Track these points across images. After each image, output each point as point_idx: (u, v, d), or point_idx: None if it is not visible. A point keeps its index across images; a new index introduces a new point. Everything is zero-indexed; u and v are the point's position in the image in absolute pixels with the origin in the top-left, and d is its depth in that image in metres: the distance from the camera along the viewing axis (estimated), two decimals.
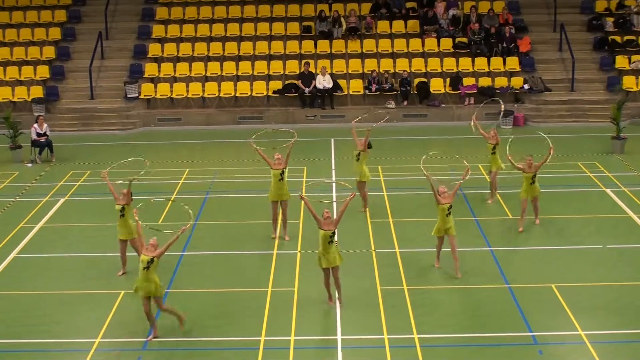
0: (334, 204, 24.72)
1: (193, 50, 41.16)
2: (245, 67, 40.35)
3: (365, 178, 25.14)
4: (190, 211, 19.06)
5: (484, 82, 39.34)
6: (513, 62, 40.11)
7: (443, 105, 38.93)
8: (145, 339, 18.08)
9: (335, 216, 19.50)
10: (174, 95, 39.40)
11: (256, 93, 39.35)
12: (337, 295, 19.23)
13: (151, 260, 17.64)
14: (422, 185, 28.07)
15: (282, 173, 23.24)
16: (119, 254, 21.66)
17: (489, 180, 26.64)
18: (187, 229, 18.39)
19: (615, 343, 17.75)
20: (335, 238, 18.82)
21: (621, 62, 39.96)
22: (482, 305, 19.45)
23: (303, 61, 39.92)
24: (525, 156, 24.21)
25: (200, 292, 20.24)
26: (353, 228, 24.52)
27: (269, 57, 40.90)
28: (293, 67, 40.27)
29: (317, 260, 19.02)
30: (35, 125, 32.89)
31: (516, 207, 24.83)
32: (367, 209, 25.48)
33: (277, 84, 39.59)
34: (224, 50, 41.16)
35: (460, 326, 18.56)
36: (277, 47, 41.27)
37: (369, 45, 41.28)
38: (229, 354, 17.50)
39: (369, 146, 25.29)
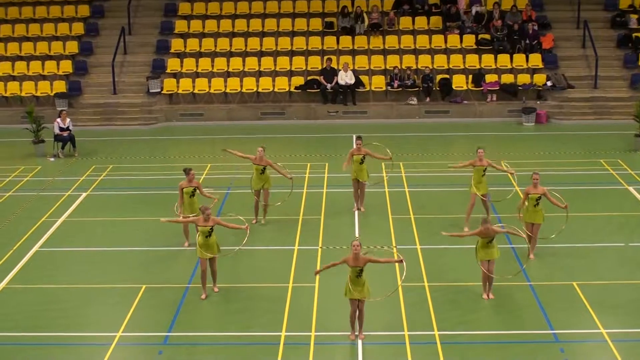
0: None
1: (215, 46, 41.20)
2: (267, 62, 40.35)
3: (367, 179, 25.16)
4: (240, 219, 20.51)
5: (507, 78, 39.20)
6: (536, 59, 39.94)
7: (465, 102, 38.82)
8: (166, 333, 18.13)
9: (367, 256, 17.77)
10: (196, 91, 39.46)
11: (278, 89, 39.36)
12: (358, 327, 17.92)
13: (211, 229, 19.50)
14: (444, 182, 28.14)
15: (264, 169, 24.26)
16: (141, 248, 21.78)
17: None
18: (246, 228, 19.86)
19: (638, 342, 17.65)
20: (363, 275, 17.60)
21: None
22: (503, 303, 19.38)
23: (325, 57, 39.90)
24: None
25: (222, 286, 20.26)
26: (374, 224, 24.53)
27: (291, 53, 40.90)
28: (315, 63, 40.26)
29: (345, 291, 17.72)
30: (58, 119, 33.01)
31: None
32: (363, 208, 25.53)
33: (299, 80, 39.58)
34: (246, 45, 41.17)
35: (481, 323, 18.51)
36: (300, 43, 41.25)
37: (391, 41, 41.20)
38: (249, 349, 17.51)
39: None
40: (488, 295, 19.50)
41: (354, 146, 24.94)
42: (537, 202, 21.51)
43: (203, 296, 19.69)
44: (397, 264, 17.71)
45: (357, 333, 17.64)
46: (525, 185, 25.39)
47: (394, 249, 22.58)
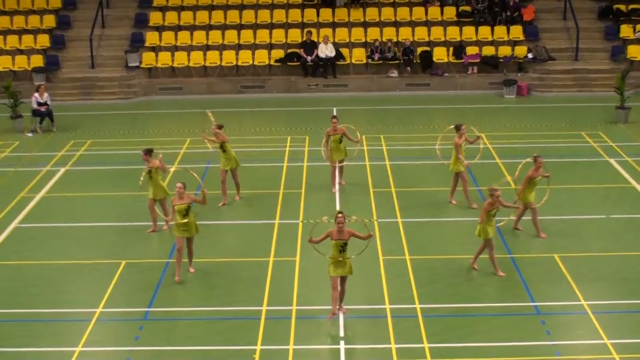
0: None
1: (195, 19, 40.96)
2: (247, 35, 40.18)
3: (347, 155, 24.99)
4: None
5: (488, 51, 39.17)
6: (517, 31, 39.92)
7: (446, 74, 38.79)
8: (147, 309, 18.10)
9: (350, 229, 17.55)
10: (175, 65, 39.27)
11: (258, 62, 39.21)
12: (339, 302, 17.71)
13: (188, 207, 19.15)
14: (425, 155, 28.11)
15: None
16: (120, 223, 21.67)
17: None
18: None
19: (619, 313, 17.74)
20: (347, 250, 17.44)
21: (626, 31, 39.73)
22: (485, 276, 19.42)
23: (305, 30, 39.75)
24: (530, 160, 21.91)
25: (202, 261, 20.23)
26: (355, 197, 24.51)
27: (271, 26, 40.72)
28: (295, 35, 40.12)
29: (328, 268, 17.52)
30: (36, 94, 32.78)
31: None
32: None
33: (279, 53, 39.45)
34: (225, 18, 40.97)
35: (462, 296, 18.54)
36: (279, 15, 41.08)
37: (371, 13, 41.08)
38: (230, 324, 17.50)
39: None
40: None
41: (330, 125, 24.72)
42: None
43: (177, 278, 19.38)
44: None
45: (338, 307, 17.59)
46: (504, 156, 25.48)
47: (375, 222, 22.58)
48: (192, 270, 19.78)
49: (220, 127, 23.78)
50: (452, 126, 23.82)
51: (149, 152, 21.89)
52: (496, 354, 16.18)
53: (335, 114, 25.02)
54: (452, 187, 23.79)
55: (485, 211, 19.10)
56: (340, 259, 17.19)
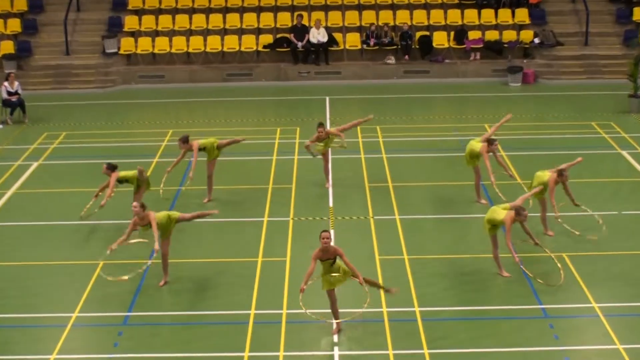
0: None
1: (177, 2, 40.94)
2: (233, 19, 40.16)
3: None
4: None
5: (491, 35, 39.21)
6: (522, 14, 39.97)
7: (447, 60, 38.83)
8: (126, 313, 18.10)
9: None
10: (156, 51, 39.24)
11: (245, 48, 39.20)
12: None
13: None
14: (424, 147, 28.14)
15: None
16: (97, 222, 21.95)
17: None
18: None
19: (632, 316, 17.78)
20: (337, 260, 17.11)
21: (639, 14, 39.81)
22: (488, 277, 19.44)
23: (295, 13, 39.75)
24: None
25: (186, 262, 20.25)
26: (349, 193, 24.54)
27: (259, 9, 40.72)
28: (285, 19, 40.10)
29: (323, 284, 17.20)
30: (6, 83, 32.75)
31: (521, 171, 24.68)
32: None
33: (267, 38, 39.43)
34: (210, 1, 40.94)
35: (464, 299, 18.57)
36: None
37: None
38: (216, 329, 17.51)
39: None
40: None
41: (316, 133, 24.20)
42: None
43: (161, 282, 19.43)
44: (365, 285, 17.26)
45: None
46: (509, 148, 25.52)
47: (371, 219, 22.60)
48: (161, 283, 19.39)
49: (186, 139, 23.68)
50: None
51: (112, 168, 22.22)
52: None
53: (321, 122, 24.47)
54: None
55: (509, 227, 18.98)
56: (334, 274, 17.01)
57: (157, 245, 18.54)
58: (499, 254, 19.41)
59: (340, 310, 17.32)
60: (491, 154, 22.79)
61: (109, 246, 18.87)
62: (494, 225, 19.08)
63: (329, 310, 17.19)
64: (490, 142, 22.75)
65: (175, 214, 19.43)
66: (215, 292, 19.06)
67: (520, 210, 18.78)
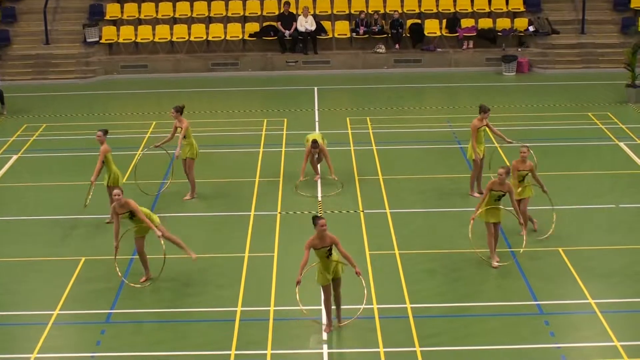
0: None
1: None
2: (218, 7, 40.11)
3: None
4: None
5: (485, 23, 39.23)
6: (517, 1, 40.00)
7: (439, 49, 38.86)
8: (109, 311, 18.08)
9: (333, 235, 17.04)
10: (138, 40, 39.18)
11: (231, 36, 39.16)
12: (336, 313, 17.42)
13: (130, 214, 18.74)
14: (415, 139, 28.16)
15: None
16: (79, 216, 21.72)
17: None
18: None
19: (630, 312, 17.82)
20: (333, 252, 17.00)
21: (637, 1, 39.87)
22: (482, 272, 19.47)
23: (283, 0, 39.70)
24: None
25: (170, 257, 20.19)
26: (339, 186, 24.51)
27: None
28: (272, 7, 40.07)
29: (317, 277, 17.12)
30: None
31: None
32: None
33: (254, 27, 39.40)
34: None
35: (457, 295, 18.58)
36: None
37: None
38: (201, 327, 17.49)
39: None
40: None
41: (310, 150, 24.09)
42: (523, 179, 20.86)
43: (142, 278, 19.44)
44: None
45: (334, 318, 17.42)
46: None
47: (361, 213, 22.61)
48: (138, 284, 19.27)
49: (180, 109, 23.65)
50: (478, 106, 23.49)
51: (105, 133, 22.18)
52: (495, 358, 16.24)
53: (315, 140, 24.13)
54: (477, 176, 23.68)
55: (488, 189, 19.16)
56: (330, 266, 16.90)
57: (158, 232, 18.69)
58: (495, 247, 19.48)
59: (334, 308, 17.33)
60: (485, 128, 23.09)
61: (114, 245, 18.84)
62: (497, 199, 19.36)
63: (322, 307, 17.20)
64: (484, 110, 22.86)
65: (157, 218, 19.29)
66: (201, 288, 19.03)
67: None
